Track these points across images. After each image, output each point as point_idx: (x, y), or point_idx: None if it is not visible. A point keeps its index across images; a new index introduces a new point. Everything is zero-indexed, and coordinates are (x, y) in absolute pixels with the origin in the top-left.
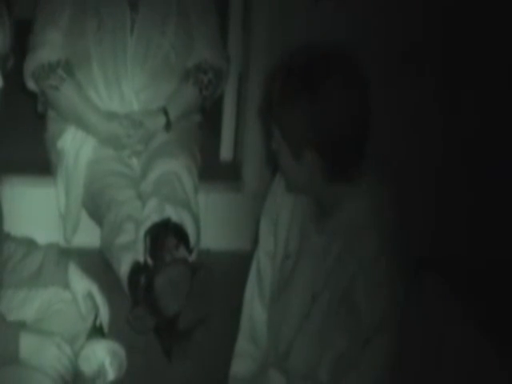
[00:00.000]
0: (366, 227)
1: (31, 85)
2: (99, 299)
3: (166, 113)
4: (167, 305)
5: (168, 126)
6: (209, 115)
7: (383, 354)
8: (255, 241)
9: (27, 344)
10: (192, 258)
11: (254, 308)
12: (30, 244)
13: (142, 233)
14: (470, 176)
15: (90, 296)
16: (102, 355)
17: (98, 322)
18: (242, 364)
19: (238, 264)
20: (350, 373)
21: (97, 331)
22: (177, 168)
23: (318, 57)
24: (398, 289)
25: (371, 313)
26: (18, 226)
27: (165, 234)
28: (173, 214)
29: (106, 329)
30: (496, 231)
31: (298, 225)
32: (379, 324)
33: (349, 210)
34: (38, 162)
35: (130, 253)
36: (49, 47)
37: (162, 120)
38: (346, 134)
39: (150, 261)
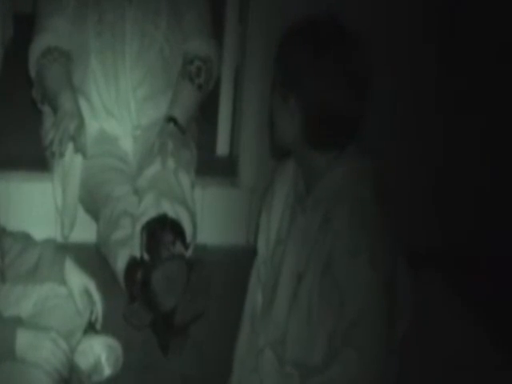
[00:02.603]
0: (339, 199)
1: (34, 72)
2: (96, 295)
3: (172, 119)
4: (164, 300)
5: (182, 131)
6: (205, 110)
7: (372, 335)
8: (252, 235)
9: (23, 340)
10: (188, 253)
11: (256, 293)
12: (26, 240)
13: (138, 228)
14: (471, 173)
15: (86, 291)
16: (99, 350)
17: (93, 318)
18: (242, 346)
19: (235, 259)
20: (341, 353)
21: (91, 327)
22: (173, 163)
23: (334, 23)
24: (381, 265)
25: (352, 287)
26: (14, 222)
27: (161, 230)
28: (169, 209)
29: (99, 325)
30: (496, 228)
31: (289, 209)
32: (363, 301)
33: (325, 183)
34: (35, 158)
35: (127, 248)
36: (58, 33)
37: (172, 129)
38: (334, 102)
39: (146, 256)
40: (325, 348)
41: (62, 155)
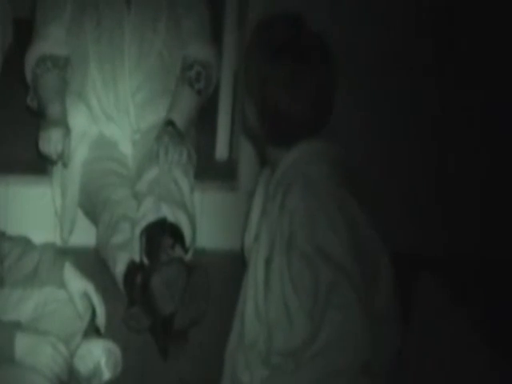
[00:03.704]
0: (292, 181)
1: (29, 80)
2: (95, 299)
3: (170, 122)
4: (163, 304)
5: (180, 134)
6: (204, 114)
7: (351, 293)
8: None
9: (23, 344)
10: (188, 257)
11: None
12: (26, 244)
13: (137, 232)
14: (471, 174)
15: (86, 295)
16: (98, 354)
17: (97, 322)
18: (234, 343)
19: (234, 263)
20: (325, 317)
21: (94, 331)
22: (172, 167)
23: (294, 22)
24: (342, 230)
25: (321, 255)
26: (13, 226)
27: (161, 234)
28: (168, 213)
29: (102, 328)
30: (496, 231)
31: (263, 205)
32: (335, 264)
33: (280, 170)
34: (34, 162)
35: (126, 252)
36: (52, 40)
37: (171, 132)
38: (284, 109)
39: (145, 260)
40: (306, 327)
41: (65, 165)
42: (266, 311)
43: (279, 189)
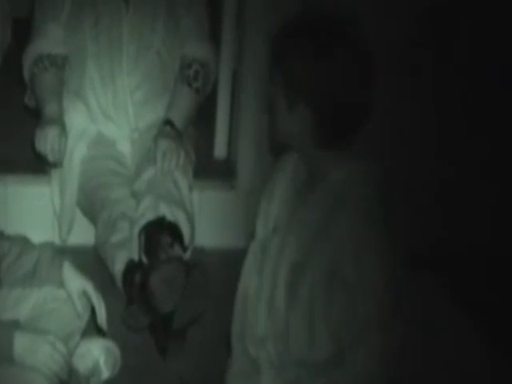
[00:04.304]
0: (343, 199)
1: (27, 79)
2: (94, 298)
3: (168, 122)
4: (162, 303)
5: (178, 133)
6: (203, 113)
7: (386, 333)
8: (250, 238)
9: (21, 343)
10: (186, 255)
11: (251, 276)
12: (24, 243)
13: (136, 231)
14: (471, 176)
15: (84, 295)
16: (97, 353)
17: (98, 321)
18: (236, 349)
19: (233, 261)
20: (355, 352)
21: (94, 330)
22: (171, 166)
23: (335, 19)
24: (388, 266)
25: (361, 289)
26: (12, 225)
27: (159, 233)
28: (167, 212)
29: (105, 328)
30: (495, 230)
31: (290, 200)
32: (375, 302)
33: (333, 182)
34: (33, 161)
35: (125, 251)
36: (50, 39)
37: (169, 131)
38: (342, 100)
39: (144, 259)
40: (328, 346)
41: (60, 165)
42: (287, 316)
43: (325, 199)
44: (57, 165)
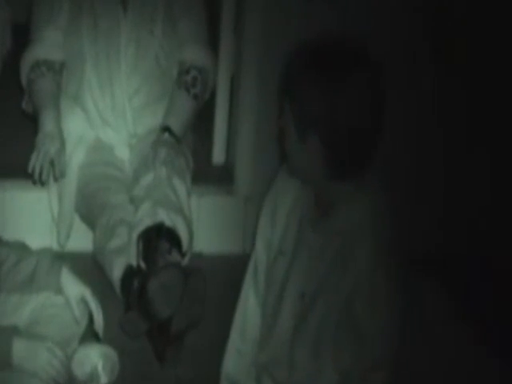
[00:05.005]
0: (362, 234)
1: (25, 85)
2: (92, 304)
3: (166, 128)
4: (160, 309)
5: (176, 140)
6: (201, 118)
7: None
8: (248, 244)
9: (20, 349)
10: (185, 261)
11: (248, 302)
12: (22, 249)
13: (134, 237)
14: (471, 176)
15: (83, 300)
16: (95, 359)
17: (95, 327)
18: (231, 359)
19: (231, 267)
20: None
21: (92, 335)
22: (169, 172)
23: (347, 46)
24: (397, 305)
25: (373, 331)
26: (10, 231)
27: (157, 238)
28: (165, 217)
29: (100, 333)
30: (496, 232)
31: (296, 223)
32: (384, 346)
33: (347, 214)
34: None
35: (123, 257)
36: (48, 45)
37: (167, 138)
38: (356, 130)
39: (142, 265)
40: (334, 377)
41: (44, 183)
42: (292, 343)
43: (339, 231)
44: (44, 184)
